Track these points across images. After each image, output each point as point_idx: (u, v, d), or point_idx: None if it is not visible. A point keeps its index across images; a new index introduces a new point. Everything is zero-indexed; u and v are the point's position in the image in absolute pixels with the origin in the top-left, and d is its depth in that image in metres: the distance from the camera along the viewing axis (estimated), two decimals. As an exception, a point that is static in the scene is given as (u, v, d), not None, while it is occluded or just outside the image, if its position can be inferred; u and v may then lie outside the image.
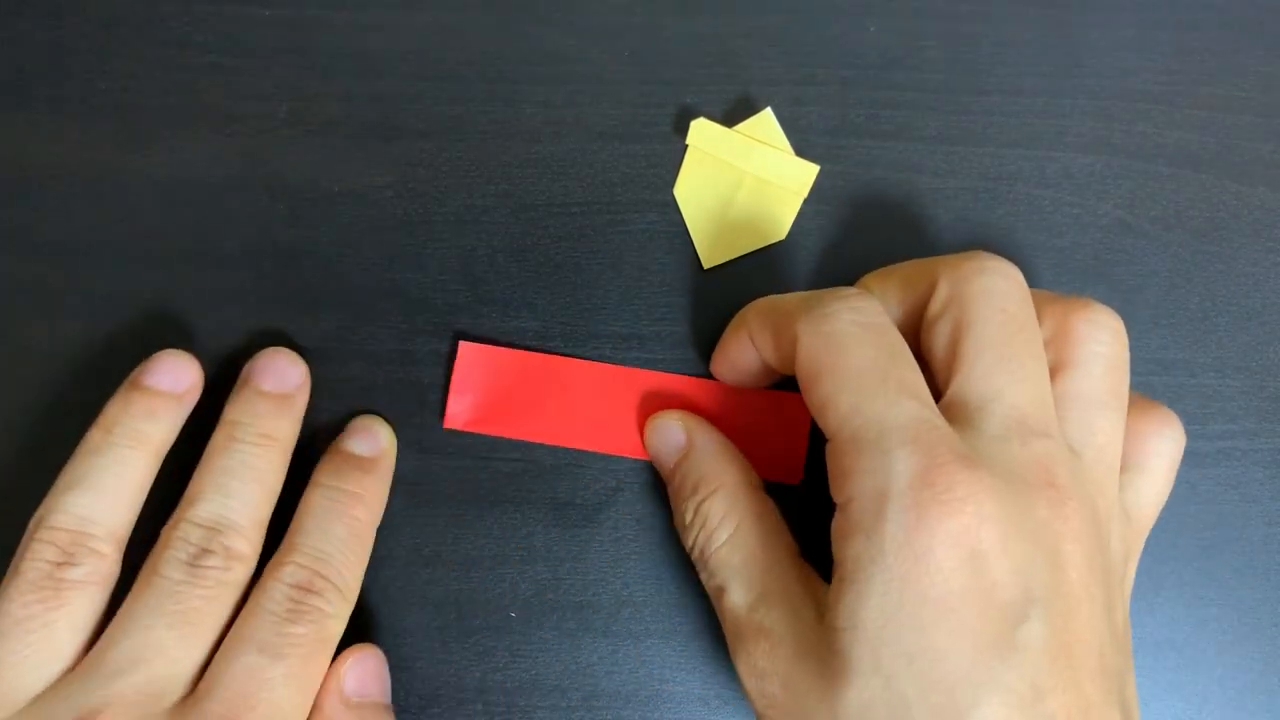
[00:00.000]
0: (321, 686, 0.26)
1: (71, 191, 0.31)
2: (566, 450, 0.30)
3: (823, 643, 0.23)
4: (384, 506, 0.29)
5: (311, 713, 0.26)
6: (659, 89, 0.32)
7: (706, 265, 0.31)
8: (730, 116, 0.32)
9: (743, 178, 0.31)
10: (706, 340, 0.31)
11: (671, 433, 0.29)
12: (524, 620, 0.30)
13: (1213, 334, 0.31)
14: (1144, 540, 0.27)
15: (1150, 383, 0.31)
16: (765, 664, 0.24)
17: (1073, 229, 0.32)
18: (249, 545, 0.26)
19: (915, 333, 0.26)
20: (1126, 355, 0.26)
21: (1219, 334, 0.31)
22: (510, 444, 0.30)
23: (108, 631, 0.25)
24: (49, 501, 0.26)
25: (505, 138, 0.32)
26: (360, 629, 0.29)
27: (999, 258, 0.25)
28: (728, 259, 0.31)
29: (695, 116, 0.31)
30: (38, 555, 0.25)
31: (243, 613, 0.26)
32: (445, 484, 0.30)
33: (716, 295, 0.31)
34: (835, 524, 0.23)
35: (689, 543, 0.28)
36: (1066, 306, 0.25)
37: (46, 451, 0.30)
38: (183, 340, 0.31)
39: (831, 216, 0.32)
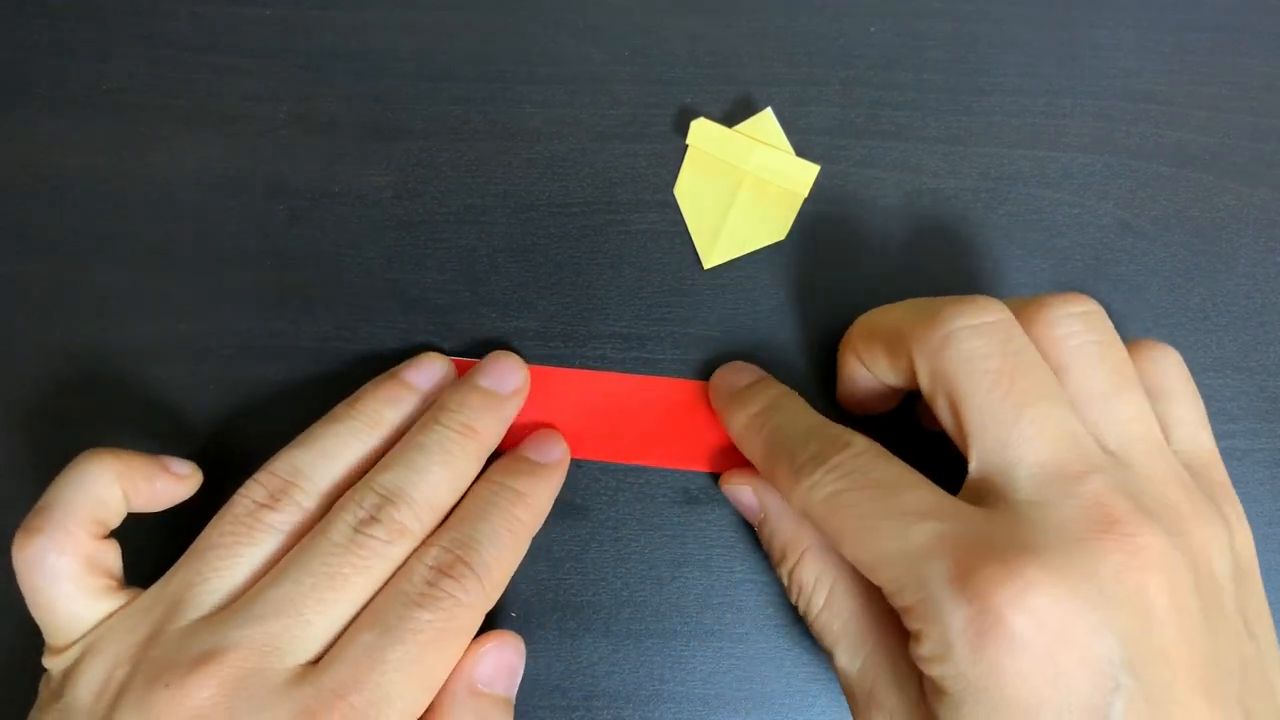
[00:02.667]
0: (455, 665, 0.25)
1: (71, 191, 0.31)
2: (567, 450, 0.30)
3: None
4: (546, 514, 0.28)
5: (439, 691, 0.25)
6: (659, 89, 0.32)
7: (706, 265, 0.31)
8: (730, 116, 0.32)
9: (743, 178, 0.31)
10: (706, 340, 0.31)
11: (743, 498, 0.29)
12: (524, 620, 0.30)
13: (1213, 334, 0.31)
14: (1228, 478, 0.26)
15: (1150, 383, 0.31)
16: None
17: (1073, 229, 0.32)
18: (419, 524, 0.26)
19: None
20: (1108, 325, 0.25)
21: (1219, 334, 0.31)
22: (510, 444, 0.30)
23: (264, 578, 0.25)
24: (279, 454, 0.27)
25: (505, 138, 0.32)
26: (360, 629, 0.29)
27: (961, 306, 0.24)
28: (728, 259, 0.31)
29: (695, 116, 0.31)
30: (248, 493, 0.26)
31: (382, 590, 0.25)
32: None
33: (716, 295, 0.31)
34: (914, 648, 0.23)
35: (793, 603, 0.28)
36: (1028, 316, 0.25)
37: (46, 452, 0.30)
38: (183, 340, 0.31)
39: (832, 216, 0.32)
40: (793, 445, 0.26)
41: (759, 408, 0.28)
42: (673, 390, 0.30)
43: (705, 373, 0.31)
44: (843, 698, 0.29)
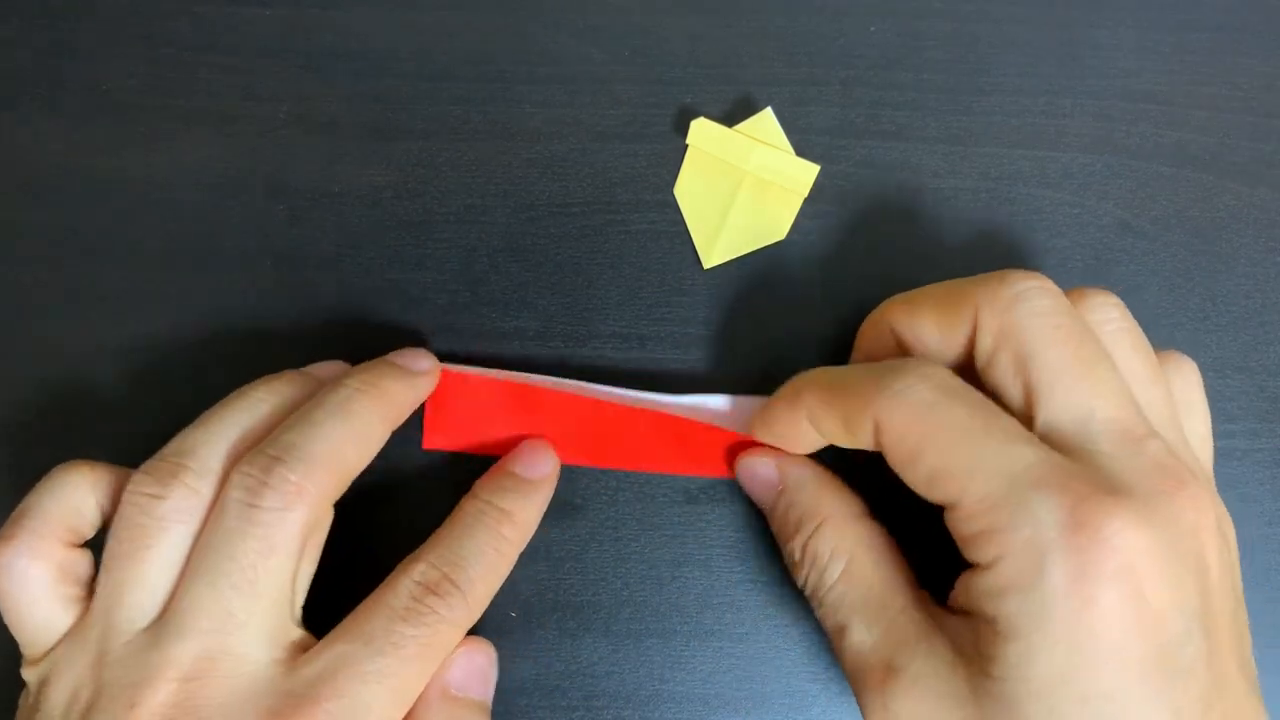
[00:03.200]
0: None
1: (71, 191, 0.31)
2: (567, 450, 0.30)
3: (975, 690, 0.22)
4: (533, 531, 0.28)
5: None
6: (659, 89, 0.32)
7: (706, 265, 0.31)
8: (730, 116, 0.32)
9: (743, 178, 0.31)
10: (706, 340, 0.31)
11: (761, 470, 0.28)
12: (524, 620, 0.30)
13: (1213, 334, 0.31)
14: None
15: (1150, 383, 0.31)
16: (904, 708, 0.23)
17: (1073, 229, 0.32)
18: (314, 484, 0.25)
19: (962, 366, 0.25)
20: (1135, 322, 0.25)
21: (1219, 334, 0.31)
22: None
23: (181, 583, 0.24)
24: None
25: (505, 138, 0.32)
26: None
27: (1027, 272, 0.24)
28: (728, 259, 0.31)
29: (695, 116, 0.31)
30: (136, 487, 0.25)
31: (364, 603, 0.25)
32: (445, 484, 0.30)
33: (716, 295, 0.31)
34: (981, 582, 0.22)
35: (800, 581, 0.27)
36: (1071, 298, 0.25)
37: (44, 453, 0.30)
38: (182, 340, 0.31)
39: (832, 217, 0.32)
40: (859, 371, 0.25)
41: (796, 381, 0.27)
42: (667, 419, 0.29)
43: (705, 373, 0.31)
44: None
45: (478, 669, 0.27)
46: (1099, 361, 0.23)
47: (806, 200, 0.31)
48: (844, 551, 0.26)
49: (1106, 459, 0.22)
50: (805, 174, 0.31)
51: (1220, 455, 0.31)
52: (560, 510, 0.30)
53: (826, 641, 0.27)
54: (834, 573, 0.26)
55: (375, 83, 0.32)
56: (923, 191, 0.32)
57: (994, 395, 0.24)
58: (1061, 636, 0.21)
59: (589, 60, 0.32)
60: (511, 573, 0.30)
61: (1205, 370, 0.31)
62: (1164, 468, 0.22)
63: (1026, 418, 0.23)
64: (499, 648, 0.30)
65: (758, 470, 0.28)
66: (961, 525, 0.22)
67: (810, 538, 0.26)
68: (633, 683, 0.30)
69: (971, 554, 0.22)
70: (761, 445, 0.29)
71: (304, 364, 0.30)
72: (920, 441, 0.23)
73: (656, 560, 0.30)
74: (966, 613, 0.23)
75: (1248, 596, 0.31)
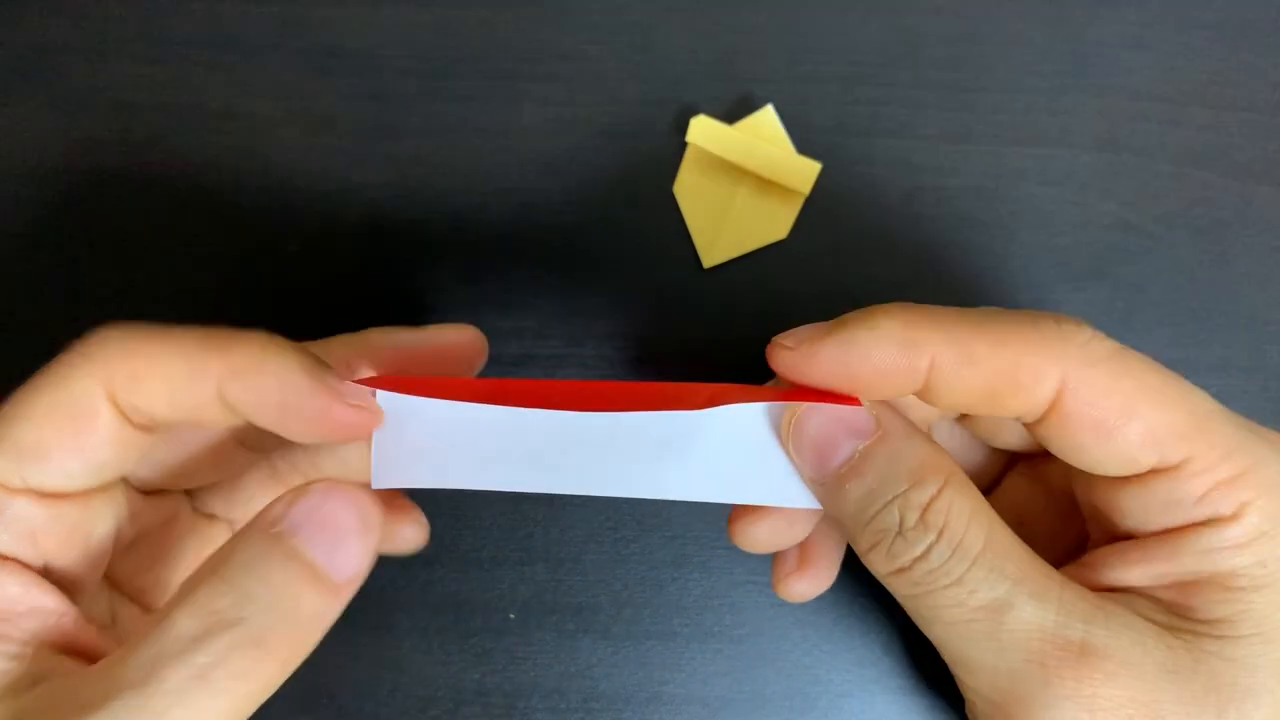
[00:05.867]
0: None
1: (70, 191, 0.31)
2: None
3: (1198, 662, 0.20)
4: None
5: None
6: (659, 87, 0.32)
7: (706, 264, 0.31)
8: (731, 114, 0.32)
9: (743, 176, 0.31)
10: (707, 340, 0.31)
11: (849, 412, 0.21)
12: (523, 622, 0.30)
13: (1215, 334, 0.31)
14: None
15: (1153, 383, 0.31)
16: (1110, 695, 0.19)
17: (1075, 228, 0.32)
18: None
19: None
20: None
21: (1221, 334, 0.31)
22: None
23: None
24: None
25: (505, 137, 0.32)
26: (358, 630, 0.29)
27: (1079, 321, 0.21)
28: (728, 258, 0.31)
29: (695, 114, 0.31)
30: None
31: None
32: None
33: (716, 295, 0.31)
34: (1212, 539, 0.20)
35: (914, 554, 0.20)
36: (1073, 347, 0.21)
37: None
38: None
39: (833, 215, 0.31)
40: (1006, 314, 0.20)
41: (900, 307, 0.21)
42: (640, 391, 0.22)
43: (706, 374, 0.31)
44: (843, 699, 0.29)
45: (322, 517, 0.20)
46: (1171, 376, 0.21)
47: (807, 199, 0.31)
48: (983, 513, 0.20)
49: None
50: (806, 172, 0.31)
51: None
52: (560, 510, 0.30)
53: (941, 633, 0.21)
54: (977, 539, 0.20)
55: (375, 82, 0.32)
56: (924, 190, 0.32)
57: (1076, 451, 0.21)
58: None
59: (589, 58, 0.32)
60: (510, 574, 0.30)
61: (1207, 370, 0.31)
62: None
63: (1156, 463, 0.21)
64: (498, 649, 0.30)
65: (844, 415, 0.21)
66: (1189, 484, 0.20)
67: (936, 497, 0.20)
68: (632, 685, 0.30)
69: (1202, 511, 0.20)
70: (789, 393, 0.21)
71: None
72: (1133, 398, 0.19)
73: (656, 561, 0.30)
74: (1133, 592, 0.21)
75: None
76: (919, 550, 0.20)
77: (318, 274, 0.31)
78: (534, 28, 0.32)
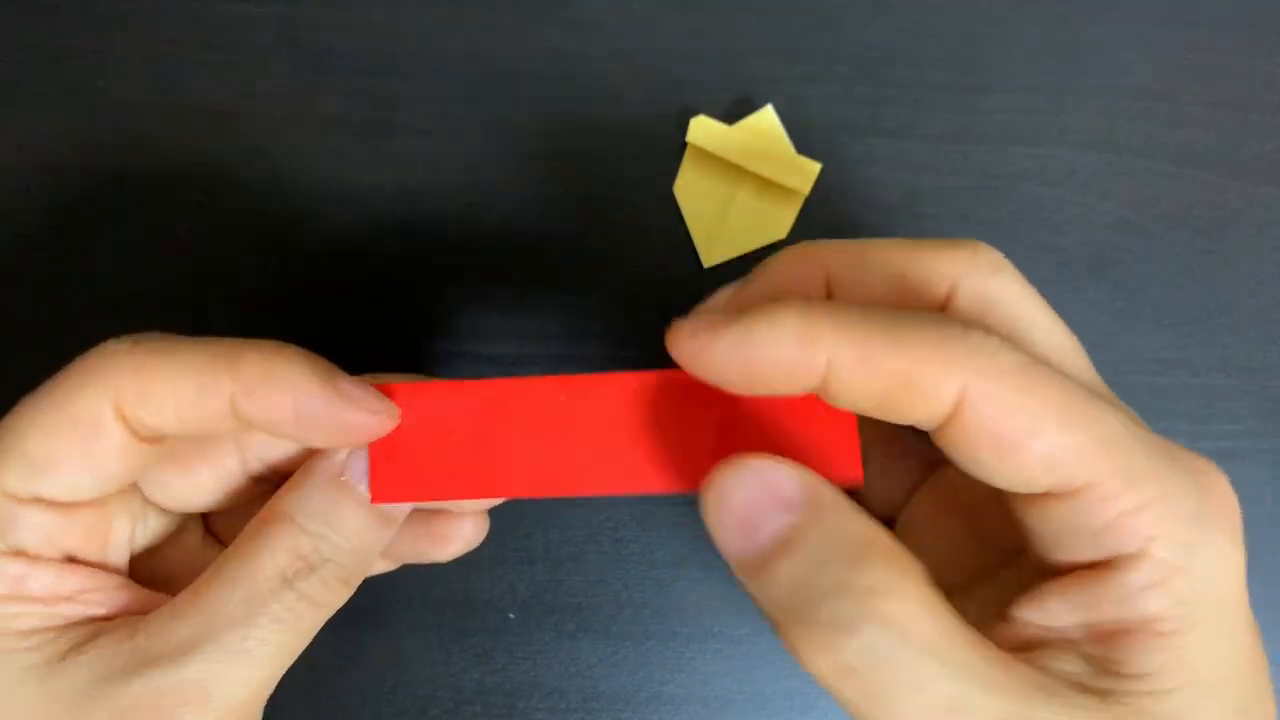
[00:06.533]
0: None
1: (71, 191, 0.31)
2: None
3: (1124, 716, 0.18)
4: None
5: None
6: (659, 86, 0.32)
7: (706, 264, 0.31)
8: (731, 114, 0.32)
9: (743, 176, 0.31)
10: (706, 340, 0.31)
11: (778, 482, 0.19)
12: (523, 622, 0.30)
13: (1216, 334, 0.31)
14: None
15: (1153, 382, 0.31)
16: None
17: (1075, 228, 0.31)
18: None
19: None
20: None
21: (1222, 334, 0.31)
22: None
23: None
24: None
25: (505, 136, 0.32)
26: (358, 630, 0.29)
27: (981, 242, 0.21)
28: (728, 258, 0.31)
29: (695, 114, 0.31)
30: None
31: None
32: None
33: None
34: (1122, 580, 0.18)
35: (853, 649, 0.18)
36: (961, 260, 0.21)
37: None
38: (181, 340, 0.31)
39: (833, 215, 0.31)
40: (913, 318, 0.19)
41: (802, 300, 0.19)
42: (618, 388, 0.21)
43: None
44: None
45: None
46: (1073, 334, 0.21)
47: (808, 199, 0.31)
48: (928, 600, 0.18)
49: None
50: (806, 172, 0.31)
51: (1223, 456, 0.31)
52: (559, 510, 0.30)
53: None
54: (927, 626, 0.18)
55: (375, 82, 0.32)
56: (924, 190, 0.32)
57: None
58: (1230, 611, 0.19)
59: (589, 58, 0.32)
60: (510, 574, 0.30)
61: (1208, 370, 0.31)
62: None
63: None
64: (498, 649, 0.30)
65: (770, 479, 0.19)
66: (1089, 513, 0.18)
67: (880, 579, 0.18)
68: (632, 685, 0.30)
69: (1105, 545, 0.18)
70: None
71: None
72: (1036, 415, 0.18)
73: (656, 561, 0.30)
74: (1058, 645, 0.19)
75: (1252, 600, 0.31)
76: (862, 640, 0.18)
77: (318, 274, 0.31)
78: (534, 27, 0.32)
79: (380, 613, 0.30)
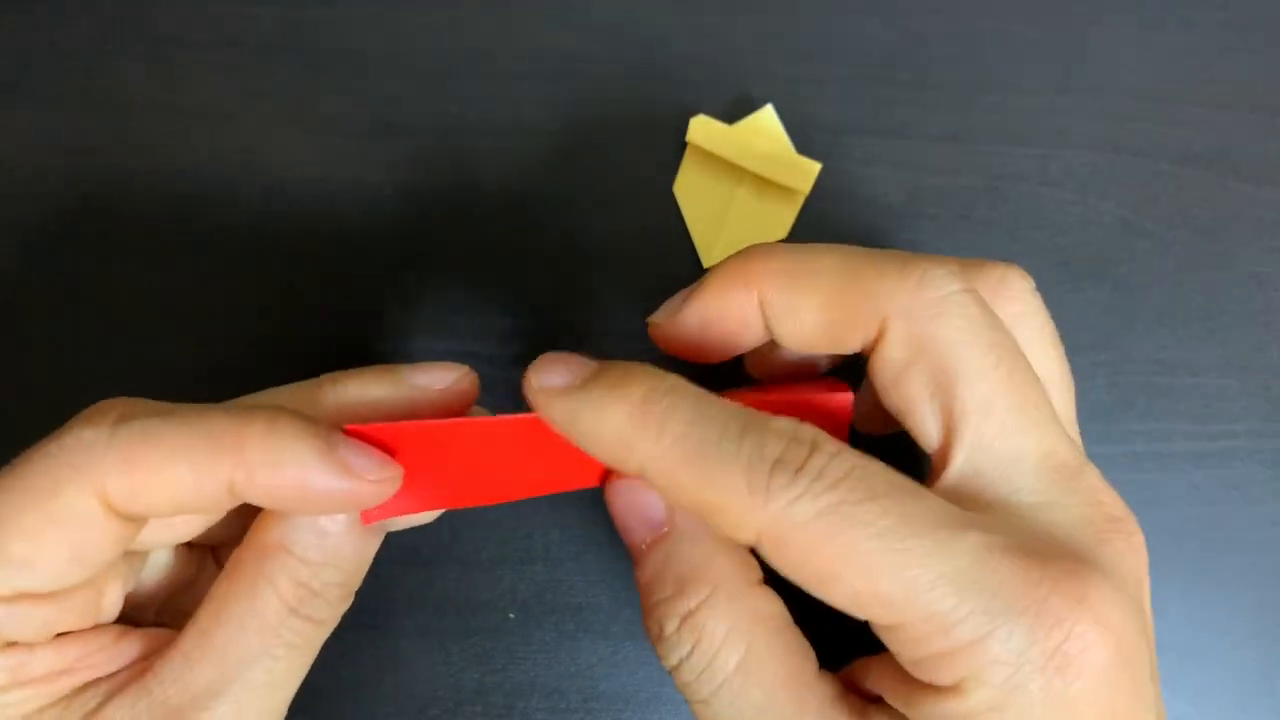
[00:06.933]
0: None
1: (70, 191, 0.31)
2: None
3: None
4: None
5: None
6: (659, 86, 0.32)
7: (706, 264, 0.31)
8: (731, 114, 0.32)
9: (743, 176, 0.31)
10: (706, 340, 0.31)
11: (645, 502, 0.21)
12: (523, 622, 0.30)
13: (1216, 334, 0.31)
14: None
15: (1153, 382, 0.31)
16: None
17: (1076, 228, 0.31)
18: None
19: (837, 363, 0.23)
20: (1046, 311, 0.23)
21: (1222, 334, 0.31)
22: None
23: None
24: None
25: (505, 136, 0.32)
26: (358, 630, 0.29)
27: (943, 265, 0.20)
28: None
29: (695, 113, 0.31)
30: None
31: None
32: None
33: (716, 295, 0.31)
34: (938, 706, 0.18)
35: (673, 662, 0.20)
36: (989, 286, 0.21)
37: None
38: (181, 341, 0.31)
39: (833, 215, 0.31)
40: (729, 448, 0.18)
41: (641, 394, 0.19)
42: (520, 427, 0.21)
43: (706, 372, 0.30)
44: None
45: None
46: (1031, 386, 0.20)
47: (808, 199, 0.31)
48: (743, 635, 0.20)
49: (1035, 511, 0.19)
50: (806, 172, 0.31)
51: (1223, 456, 0.31)
52: (559, 510, 0.30)
53: None
54: (729, 663, 0.19)
55: (374, 81, 0.32)
56: (924, 190, 0.32)
57: (897, 413, 0.21)
58: None
59: (589, 57, 0.32)
60: (510, 574, 0.30)
61: (1208, 370, 0.31)
62: (1100, 507, 0.20)
63: (940, 449, 0.20)
64: (498, 649, 0.30)
65: (638, 502, 0.21)
66: (904, 647, 0.18)
67: (697, 610, 0.20)
68: (632, 685, 0.30)
69: (923, 674, 0.18)
70: (628, 477, 0.21)
71: (306, 366, 0.30)
72: (834, 564, 0.18)
73: (656, 561, 0.30)
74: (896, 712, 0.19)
75: (1251, 599, 0.31)
76: (674, 660, 0.20)
77: (318, 274, 0.31)
78: (534, 27, 0.32)
79: (380, 613, 0.30)
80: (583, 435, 0.19)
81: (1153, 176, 0.32)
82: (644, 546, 0.21)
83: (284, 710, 0.22)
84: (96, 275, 0.31)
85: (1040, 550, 0.18)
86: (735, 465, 0.18)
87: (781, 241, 0.31)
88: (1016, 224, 0.31)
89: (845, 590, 0.18)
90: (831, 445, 0.18)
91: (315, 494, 0.20)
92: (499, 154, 0.32)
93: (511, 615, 0.30)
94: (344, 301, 0.31)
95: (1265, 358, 0.31)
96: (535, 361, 0.20)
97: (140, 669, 0.21)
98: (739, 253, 0.22)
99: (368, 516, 0.22)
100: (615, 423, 0.19)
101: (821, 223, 0.31)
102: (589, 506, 0.30)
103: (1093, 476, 0.20)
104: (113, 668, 0.21)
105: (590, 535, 0.30)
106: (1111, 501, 0.20)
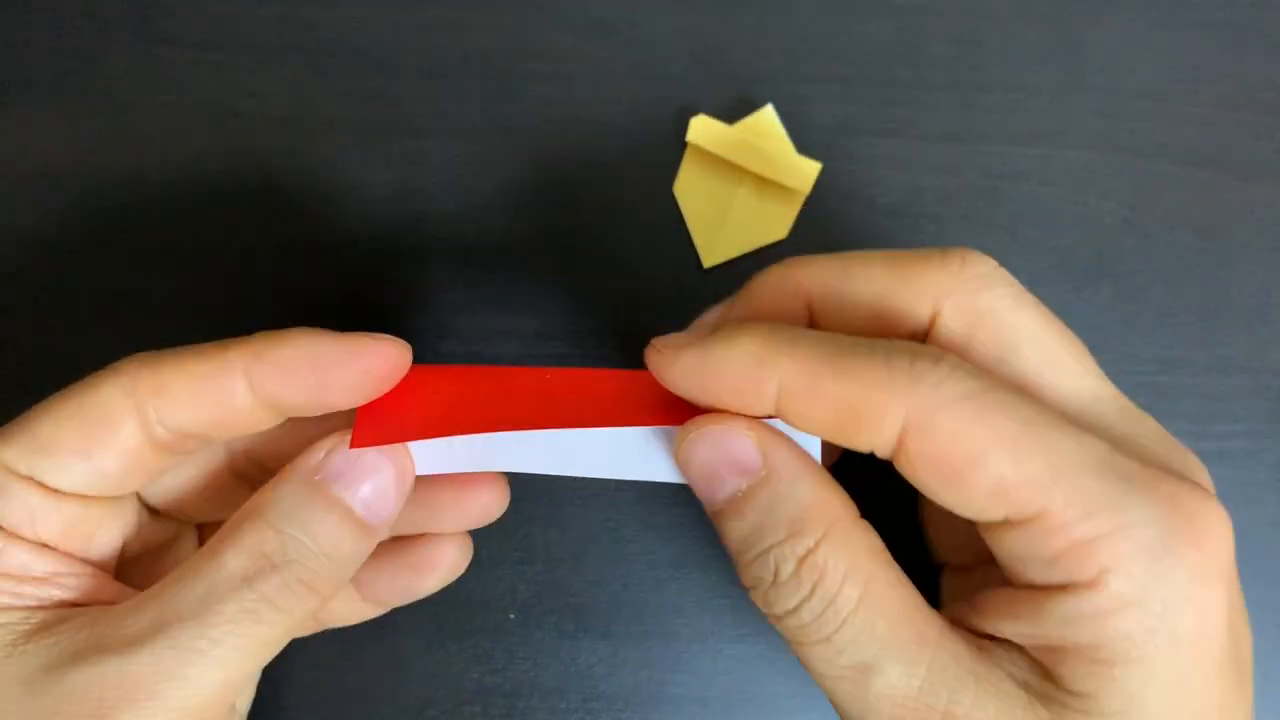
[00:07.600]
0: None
1: (69, 191, 0.31)
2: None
3: None
4: None
5: None
6: (659, 86, 0.32)
7: (706, 264, 0.31)
8: (731, 114, 0.32)
9: (743, 176, 0.31)
10: (706, 340, 0.31)
11: (736, 448, 0.20)
12: (523, 622, 0.30)
13: (1216, 334, 0.31)
14: None
15: (1153, 382, 0.31)
16: None
17: (1076, 227, 0.31)
18: None
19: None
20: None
21: (1223, 334, 0.31)
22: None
23: None
24: None
25: (505, 136, 0.32)
26: (358, 629, 0.29)
27: (976, 251, 0.22)
28: (728, 258, 0.31)
29: (695, 113, 0.31)
30: None
31: None
32: (444, 484, 0.30)
33: (716, 295, 0.31)
34: (1074, 605, 0.18)
35: (789, 606, 0.20)
36: (948, 275, 0.21)
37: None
38: (181, 341, 0.31)
39: (833, 215, 0.31)
40: (864, 349, 0.19)
41: (768, 325, 0.20)
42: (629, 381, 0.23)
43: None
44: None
45: (365, 467, 0.22)
46: (1077, 342, 0.21)
47: (808, 199, 0.31)
48: (863, 568, 0.19)
49: (1131, 440, 0.20)
50: (806, 172, 0.31)
51: (1223, 456, 0.31)
52: (559, 510, 0.30)
53: (817, 680, 0.21)
54: (851, 598, 0.19)
55: (374, 81, 0.32)
56: (924, 189, 0.32)
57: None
58: (1186, 650, 0.18)
59: (589, 57, 0.32)
60: (510, 574, 0.30)
61: (1208, 370, 0.31)
62: (1166, 435, 0.21)
63: None
64: (497, 649, 0.30)
65: (728, 447, 0.20)
66: (1042, 542, 0.18)
67: (815, 549, 0.19)
68: (632, 685, 0.30)
69: (1058, 573, 0.18)
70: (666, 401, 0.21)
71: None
72: (983, 445, 0.18)
73: (656, 561, 0.30)
74: (1014, 644, 0.20)
75: (1252, 600, 0.30)
76: (791, 604, 0.20)
77: (317, 274, 0.31)
78: (534, 28, 0.32)
79: (380, 613, 0.30)
80: (716, 368, 0.20)
81: (1153, 176, 0.32)
82: (739, 495, 0.20)
83: (219, 699, 0.20)
84: (96, 275, 0.31)
85: (1153, 462, 0.19)
86: (874, 359, 0.19)
87: (783, 243, 0.31)
88: (1016, 224, 0.31)
89: (987, 477, 0.18)
90: (946, 355, 0.19)
91: (324, 362, 0.21)
92: (498, 153, 0.32)
93: (511, 615, 0.30)
94: (343, 301, 0.31)
95: (1266, 358, 0.31)
96: (653, 340, 0.21)
97: (102, 608, 0.21)
98: (778, 264, 0.23)
99: (357, 441, 0.22)
100: (749, 345, 0.19)
101: (821, 223, 0.31)
102: (589, 506, 0.30)
103: (1151, 418, 0.21)
104: (80, 595, 0.22)
105: (590, 535, 0.30)
106: (1173, 440, 0.21)
